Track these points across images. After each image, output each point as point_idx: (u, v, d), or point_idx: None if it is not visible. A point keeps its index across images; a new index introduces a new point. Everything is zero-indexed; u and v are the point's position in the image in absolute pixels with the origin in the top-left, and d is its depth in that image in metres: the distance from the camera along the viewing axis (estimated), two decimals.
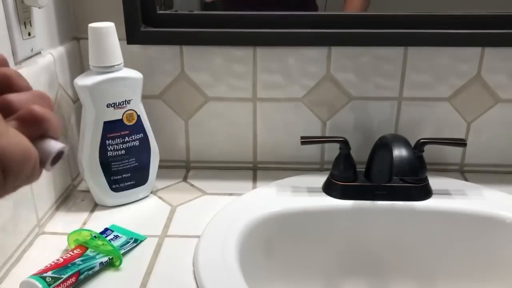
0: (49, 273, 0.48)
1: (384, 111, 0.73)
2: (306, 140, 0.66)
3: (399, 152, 0.59)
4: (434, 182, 0.68)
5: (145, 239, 0.59)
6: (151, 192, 0.70)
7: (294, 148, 0.75)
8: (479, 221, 0.64)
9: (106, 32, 0.59)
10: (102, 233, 0.58)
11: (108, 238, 0.57)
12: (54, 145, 0.27)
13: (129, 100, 0.63)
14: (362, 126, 0.74)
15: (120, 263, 0.53)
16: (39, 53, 0.61)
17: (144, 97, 0.67)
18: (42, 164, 0.27)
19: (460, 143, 0.66)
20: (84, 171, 0.65)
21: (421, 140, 0.66)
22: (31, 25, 0.58)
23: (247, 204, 0.65)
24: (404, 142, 0.61)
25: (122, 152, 0.64)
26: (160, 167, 0.70)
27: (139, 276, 0.52)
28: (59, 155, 0.28)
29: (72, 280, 0.49)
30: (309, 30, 0.68)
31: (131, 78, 0.63)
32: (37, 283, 0.47)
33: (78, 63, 0.72)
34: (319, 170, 0.77)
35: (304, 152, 0.75)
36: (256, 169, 0.78)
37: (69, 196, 0.69)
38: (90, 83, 0.60)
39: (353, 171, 0.66)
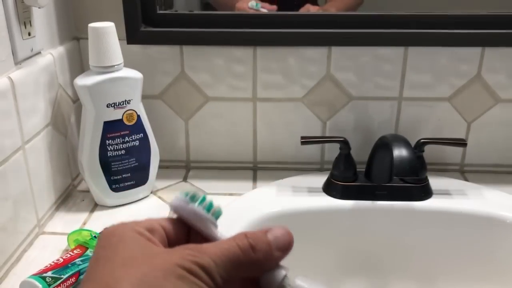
0: (49, 273, 0.48)
1: (384, 111, 0.73)
2: (306, 140, 0.66)
3: (399, 152, 0.59)
4: (434, 182, 0.68)
5: None
6: (151, 192, 0.70)
7: (294, 148, 0.75)
8: (479, 221, 0.64)
9: (106, 32, 0.59)
10: None
11: None
12: (280, 273, 0.30)
13: (129, 100, 0.63)
14: (362, 126, 0.74)
15: None
16: (39, 53, 0.61)
17: (144, 97, 0.67)
18: None
19: (460, 143, 0.66)
20: (84, 171, 0.65)
21: (421, 140, 0.66)
22: (31, 25, 0.58)
23: (247, 204, 0.65)
24: (404, 142, 0.61)
25: (122, 152, 0.64)
26: (160, 167, 0.70)
27: None
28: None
29: (72, 280, 0.49)
30: (309, 30, 0.68)
31: (131, 78, 0.63)
32: (37, 283, 0.47)
33: (78, 63, 0.72)
34: (319, 170, 0.77)
35: (304, 152, 0.75)
36: (256, 169, 0.78)
37: (69, 196, 0.69)
38: (90, 83, 0.60)
39: (353, 171, 0.66)
